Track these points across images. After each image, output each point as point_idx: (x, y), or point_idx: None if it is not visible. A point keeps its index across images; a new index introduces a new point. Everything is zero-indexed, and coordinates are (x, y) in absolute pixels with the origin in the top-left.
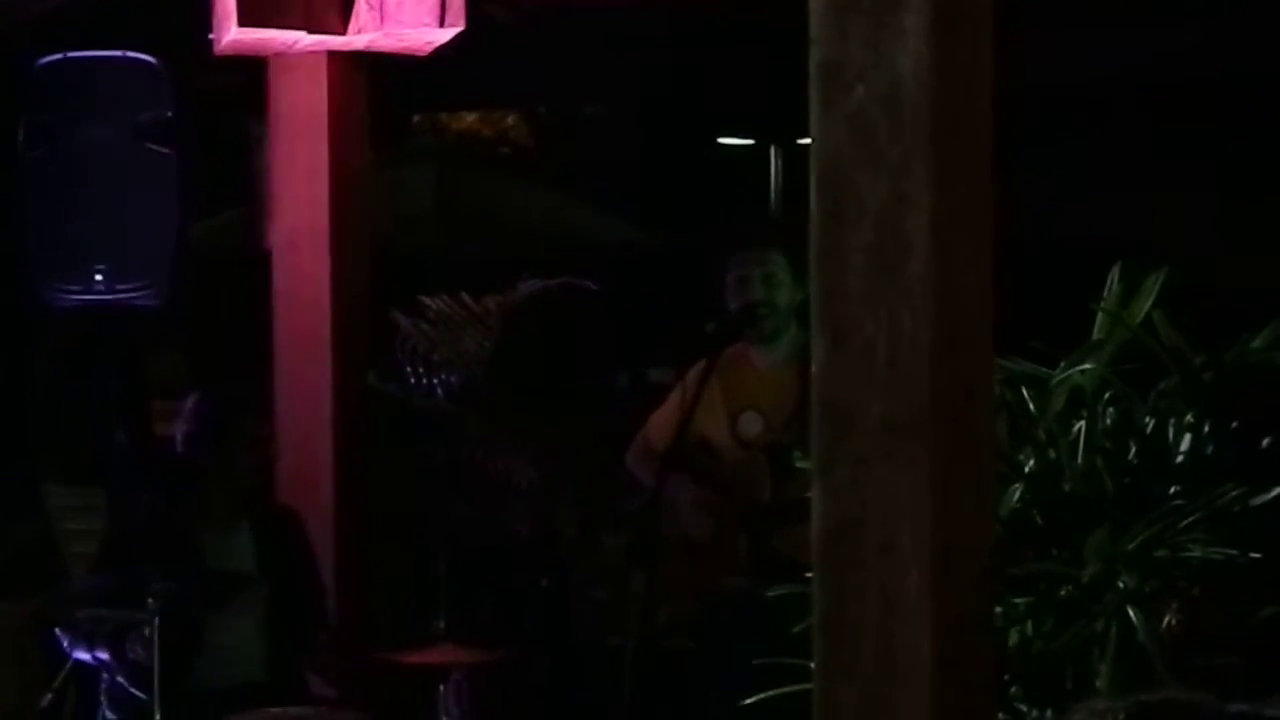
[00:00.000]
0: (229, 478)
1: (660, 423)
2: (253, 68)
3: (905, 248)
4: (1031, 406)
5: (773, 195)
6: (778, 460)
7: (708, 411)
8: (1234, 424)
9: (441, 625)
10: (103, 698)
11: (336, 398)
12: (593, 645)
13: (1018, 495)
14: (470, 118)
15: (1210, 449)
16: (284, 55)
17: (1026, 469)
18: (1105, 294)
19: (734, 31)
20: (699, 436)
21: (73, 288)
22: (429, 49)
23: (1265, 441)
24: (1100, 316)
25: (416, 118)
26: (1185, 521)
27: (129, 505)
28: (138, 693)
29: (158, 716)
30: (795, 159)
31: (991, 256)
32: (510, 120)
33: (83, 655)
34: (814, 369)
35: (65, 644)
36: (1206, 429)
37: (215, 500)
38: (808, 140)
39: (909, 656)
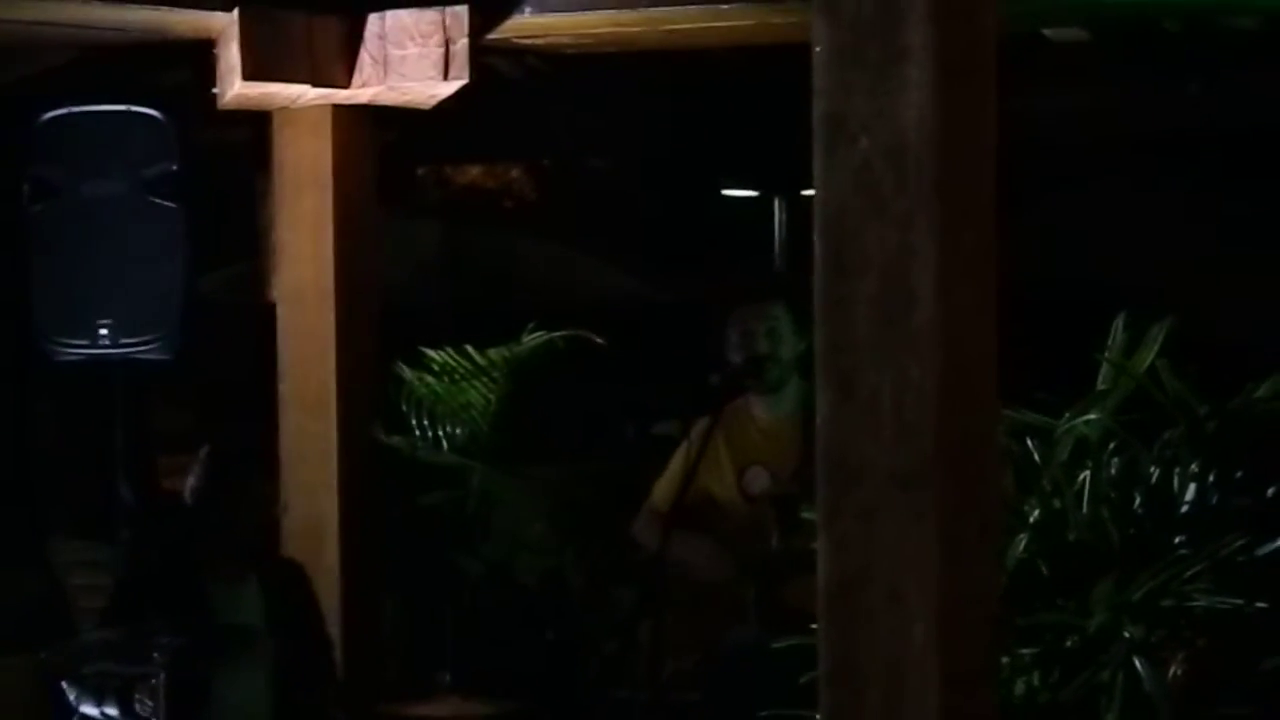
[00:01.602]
0: (235, 533)
1: (664, 488)
2: (258, 121)
3: (910, 299)
4: (1036, 457)
5: (777, 247)
6: (784, 511)
7: (713, 468)
8: (1239, 474)
9: (447, 678)
10: None
11: (342, 451)
12: (600, 697)
13: (1023, 545)
14: (475, 171)
15: (1216, 499)
16: (289, 109)
17: (1032, 519)
18: (1109, 344)
19: (737, 84)
20: (704, 494)
21: (78, 342)
22: (433, 102)
23: (1270, 491)
24: (1105, 367)
25: (421, 171)
26: (1191, 571)
27: (135, 559)
28: None
29: None
30: (799, 211)
31: (997, 307)
32: (515, 173)
33: (89, 710)
34: (819, 420)
35: (71, 698)
36: (1212, 479)
37: (222, 554)
38: (811, 192)
39: (915, 708)
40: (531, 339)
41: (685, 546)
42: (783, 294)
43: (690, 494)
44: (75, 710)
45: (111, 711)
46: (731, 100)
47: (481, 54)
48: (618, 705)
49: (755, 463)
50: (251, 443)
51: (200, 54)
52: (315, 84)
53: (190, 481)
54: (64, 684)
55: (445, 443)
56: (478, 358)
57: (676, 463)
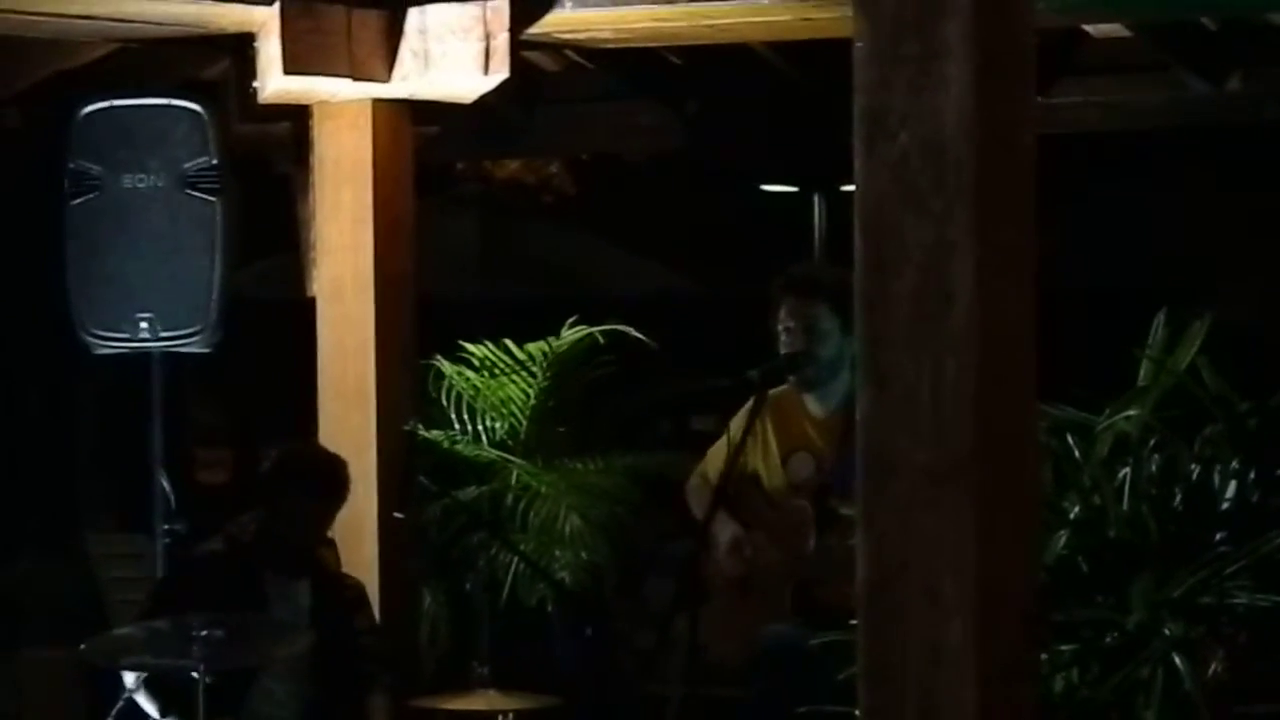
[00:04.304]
0: (286, 532)
1: (715, 456)
2: (297, 115)
3: (949, 294)
4: (1076, 453)
5: (816, 242)
6: (824, 501)
7: (760, 450)
8: (1279, 471)
9: (485, 672)
10: None
11: (381, 443)
12: (636, 693)
13: (1063, 542)
14: (513, 165)
15: (1256, 496)
16: (328, 102)
17: (1071, 515)
18: (1150, 340)
19: (777, 78)
20: (750, 474)
21: (118, 335)
22: (473, 97)
23: None
24: (1145, 363)
25: (460, 165)
26: (1231, 568)
27: (176, 553)
28: None
29: None
30: (839, 205)
31: (1035, 302)
32: (553, 167)
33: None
34: (859, 416)
35: (116, 688)
36: (1252, 476)
37: (278, 548)
38: (851, 187)
39: (952, 704)
40: (571, 334)
41: (724, 532)
42: (825, 290)
43: (737, 471)
44: (118, 700)
45: (152, 704)
46: (771, 95)
47: (521, 48)
48: (654, 700)
49: (802, 449)
50: (328, 451)
51: (241, 48)
52: (355, 78)
53: (265, 468)
54: (108, 674)
55: (484, 437)
56: (517, 352)
57: (733, 432)
